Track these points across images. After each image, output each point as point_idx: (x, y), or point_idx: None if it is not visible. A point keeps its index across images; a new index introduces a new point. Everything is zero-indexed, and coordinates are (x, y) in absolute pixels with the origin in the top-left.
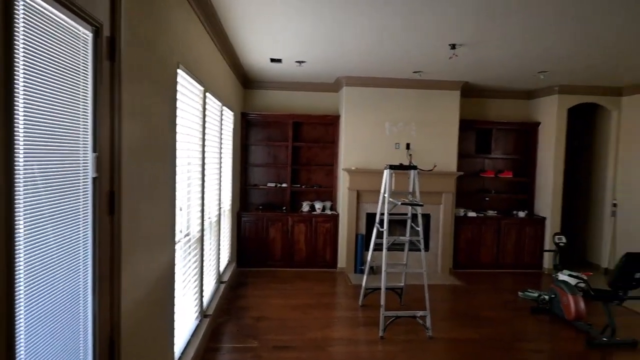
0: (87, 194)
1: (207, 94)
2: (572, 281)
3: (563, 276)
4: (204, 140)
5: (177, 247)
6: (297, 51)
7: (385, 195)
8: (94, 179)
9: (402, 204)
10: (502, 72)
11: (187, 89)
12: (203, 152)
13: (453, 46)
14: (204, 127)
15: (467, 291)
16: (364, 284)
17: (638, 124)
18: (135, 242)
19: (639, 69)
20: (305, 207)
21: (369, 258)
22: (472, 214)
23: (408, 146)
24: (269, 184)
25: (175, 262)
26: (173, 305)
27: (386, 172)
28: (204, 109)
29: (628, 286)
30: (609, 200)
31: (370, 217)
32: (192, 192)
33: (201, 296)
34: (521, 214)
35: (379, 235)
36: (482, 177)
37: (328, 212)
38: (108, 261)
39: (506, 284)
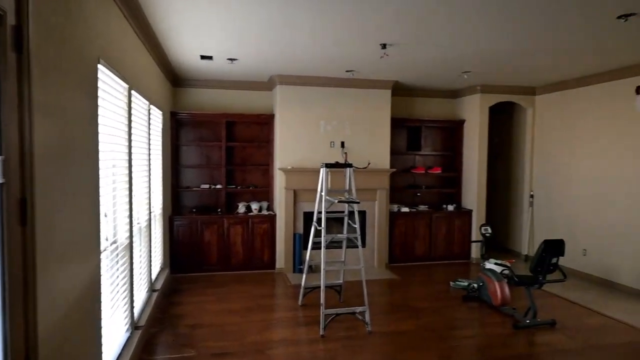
0: None
1: (133, 92)
2: (498, 269)
3: (490, 265)
4: (130, 141)
5: (102, 256)
6: (228, 48)
7: (322, 193)
8: (0, 185)
9: (338, 201)
10: (429, 71)
11: (110, 86)
12: (130, 153)
13: (384, 46)
14: (130, 127)
15: (403, 284)
16: (303, 283)
17: (549, 121)
18: (52, 255)
19: (551, 70)
20: (242, 208)
21: (307, 257)
22: (405, 209)
23: (343, 144)
24: (203, 186)
25: (101, 273)
26: (100, 319)
27: (322, 171)
28: (130, 107)
29: (547, 271)
30: (527, 192)
31: (308, 216)
32: (118, 196)
33: (131, 307)
34: (450, 208)
35: (317, 234)
36: (413, 173)
37: (265, 212)
38: (21, 278)
39: (439, 275)
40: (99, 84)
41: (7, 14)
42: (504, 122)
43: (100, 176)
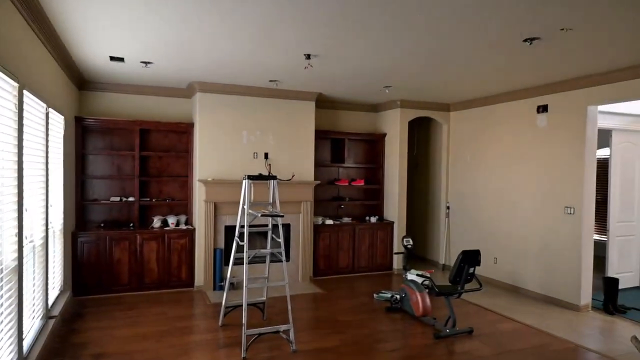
0: None
1: (25, 92)
2: (419, 280)
3: (411, 276)
4: (20, 148)
5: None
6: (142, 50)
7: (245, 207)
8: None
9: (262, 215)
10: (352, 84)
11: None
12: (20, 162)
13: (308, 56)
14: (20, 133)
15: (327, 298)
16: (223, 302)
17: (462, 136)
18: None
19: (462, 88)
20: (157, 222)
21: (228, 274)
22: (329, 221)
23: (266, 156)
24: (113, 198)
25: None
26: None
27: (245, 183)
28: (21, 110)
29: (465, 280)
30: (443, 203)
31: (229, 230)
32: (3, 211)
33: (19, 339)
34: (373, 219)
35: (239, 249)
36: (337, 185)
37: (183, 226)
38: None
39: (362, 287)
40: None
41: None
42: (422, 135)
43: None
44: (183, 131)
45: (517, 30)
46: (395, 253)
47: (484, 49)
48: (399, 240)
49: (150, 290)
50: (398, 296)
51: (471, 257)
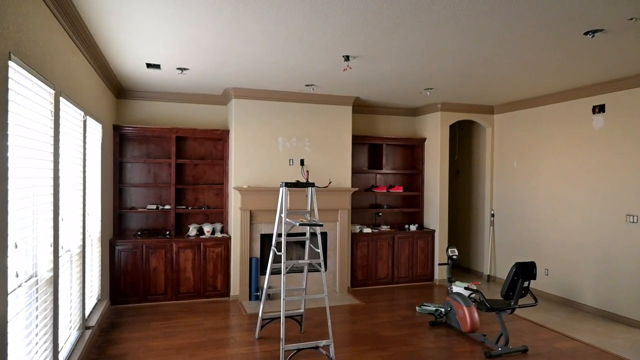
0: None
1: (62, 100)
2: (466, 293)
3: (457, 288)
4: (57, 156)
5: (12, 296)
6: (178, 56)
7: (282, 215)
8: None
9: (300, 224)
10: (392, 87)
11: (28, 89)
12: (56, 170)
13: (347, 58)
14: (57, 140)
15: (367, 310)
16: (260, 313)
17: (509, 139)
18: None
19: (511, 88)
20: (193, 230)
21: (265, 284)
22: (367, 229)
23: (302, 162)
24: (150, 206)
25: (9, 318)
26: None
27: (282, 191)
28: (57, 117)
29: (518, 295)
30: (487, 211)
31: (265, 239)
32: (39, 221)
33: (55, 352)
34: (412, 228)
35: (277, 259)
36: (375, 192)
37: (218, 235)
38: None
39: (403, 298)
40: (10, 84)
41: None
42: (464, 139)
43: (9, 199)
44: (218, 138)
45: (578, 22)
46: (440, 264)
47: (537, 46)
48: (441, 250)
49: (186, 300)
50: (443, 310)
51: (526, 270)
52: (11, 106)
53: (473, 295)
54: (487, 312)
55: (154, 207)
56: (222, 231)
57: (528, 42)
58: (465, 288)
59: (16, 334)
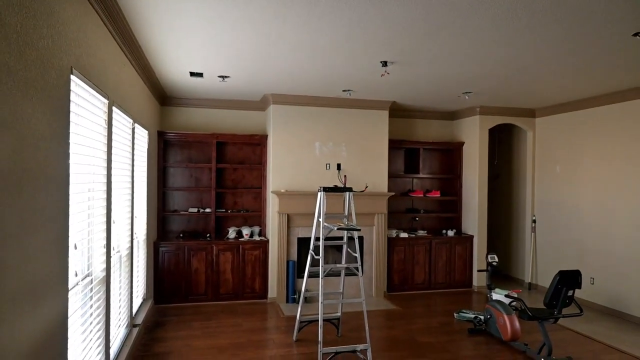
0: None
1: (114, 109)
2: (506, 300)
3: (497, 295)
4: (110, 162)
5: (71, 294)
6: (220, 65)
7: (320, 219)
8: None
9: (338, 229)
10: (429, 91)
11: (86, 100)
12: (109, 175)
13: (385, 63)
14: (109, 147)
15: (403, 315)
16: (298, 316)
17: (550, 144)
18: None
19: (550, 92)
20: (232, 233)
21: (303, 288)
22: (403, 234)
23: (339, 167)
24: (191, 209)
25: (69, 314)
26: None
27: (320, 195)
28: (110, 125)
29: (562, 304)
30: (529, 217)
31: (302, 242)
32: (94, 223)
33: (107, 348)
34: (450, 233)
35: (314, 262)
36: (412, 196)
37: (257, 238)
38: None
39: (440, 304)
40: (72, 97)
41: None
42: (503, 143)
43: (70, 203)
44: (257, 143)
45: (626, 24)
46: (479, 270)
47: (581, 49)
48: (479, 256)
49: (226, 301)
50: (482, 317)
51: (570, 279)
52: (71, 117)
53: (514, 303)
54: (528, 320)
55: (195, 210)
56: (260, 234)
57: (572, 46)
58: (506, 295)
59: (74, 329)
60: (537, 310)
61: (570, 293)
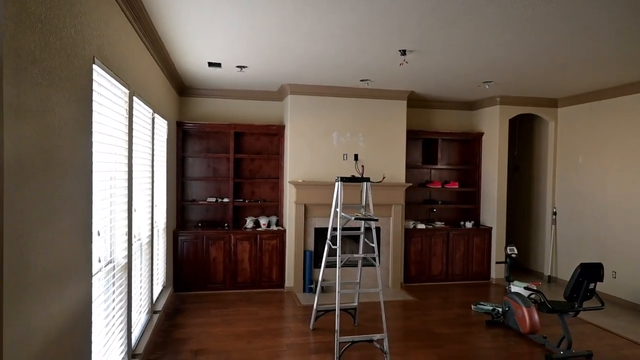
0: None
1: (135, 98)
2: (525, 293)
3: (516, 288)
4: (130, 150)
5: (95, 279)
6: (238, 55)
7: (337, 209)
8: None
9: (356, 218)
10: (449, 80)
11: (108, 90)
12: (130, 164)
13: (403, 52)
14: (130, 137)
15: (420, 306)
16: (315, 305)
17: (572, 134)
18: (26, 284)
19: (573, 81)
20: (249, 223)
21: (320, 277)
22: (421, 225)
23: (356, 157)
24: (209, 199)
25: (93, 298)
26: (90, 352)
27: (337, 185)
28: (131, 114)
29: (583, 297)
30: (549, 209)
31: (319, 232)
32: (116, 211)
33: (129, 332)
34: (468, 225)
35: (331, 252)
36: (429, 187)
37: (274, 227)
38: None
39: (457, 296)
40: (94, 86)
41: None
42: (524, 134)
43: (94, 190)
44: (274, 133)
45: None
46: (497, 262)
47: (608, 35)
48: (498, 248)
49: (243, 290)
50: (500, 309)
51: (592, 272)
52: (94, 106)
53: (533, 296)
54: (548, 313)
55: (214, 199)
56: (277, 224)
57: (598, 31)
58: (525, 288)
59: (97, 314)
60: (557, 303)
61: (591, 286)
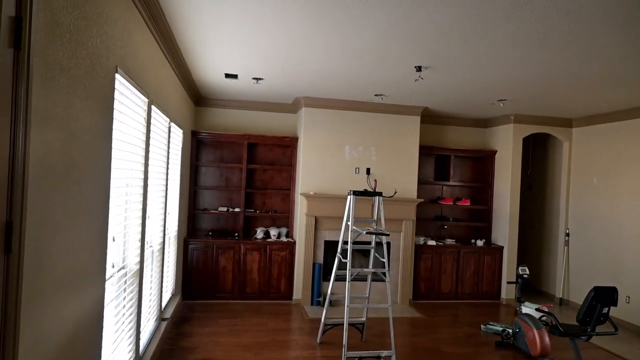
0: None
1: (153, 107)
2: (536, 314)
3: (527, 309)
4: (147, 158)
5: (107, 284)
6: (254, 67)
7: (349, 223)
8: None
9: (367, 233)
10: (463, 98)
11: (128, 99)
12: (146, 172)
13: (419, 68)
14: (147, 144)
15: (429, 324)
16: (323, 319)
17: (587, 155)
18: (44, 287)
19: (589, 101)
20: (260, 233)
21: (329, 291)
22: (431, 242)
23: (368, 171)
24: (221, 209)
25: (105, 303)
26: (99, 358)
27: (350, 199)
28: (149, 123)
29: (596, 321)
30: (562, 230)
31: (329, 245)
32: (130, 218)
33: (137, 339)
34: (479, 243)
35: (341, 265)
36: (441, 204)
37: (284, 239)
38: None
39: (466, 315)
40: (116, 95)
41: (3, 2)
42: (537, 153)
43: (110, 197)
44: (287, 145)
45: None
46: (509, 282)
47: (627, 55)
48: (509, 267)
49: (251, 300)
50: (510, 330)
51: (606, 295)
52: (115, 114)
53: (544, 318)
54: (559, 336)
55: (225, 209)
56: (287, 235)
57: (617, 52)
58: (537, 309)
59: (108, 319)
60: (570, 326)
61: (605, 310)
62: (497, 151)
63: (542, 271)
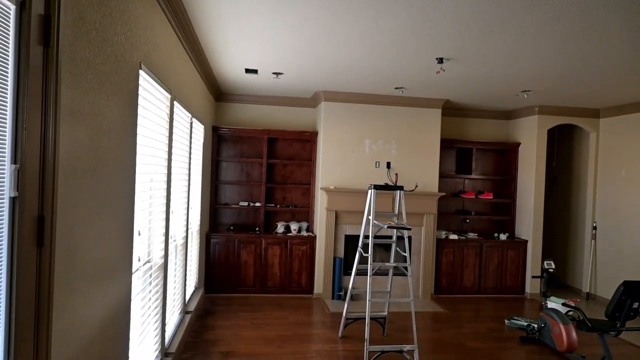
0: (1, 219)
1: (175, 103)
2: (563, 309)
3: (553, 304)
4: (170, 154)
5: (134, 277)
6: (274, 62)
7: (370, 217)
8: (13, 199)
9: (388, 227)
10: (486, 89)
11: (152, 95)
12: (169, 167)
13: (440, 60)
14: (170, 140)
15: (451, 319)
16: (344, 313)
17: (615, 146)
18: (74, 279)
19: (616, 91)
20: (280, 228)
21: (350, 285)
22: (453, 236)
23: (389, 165)
24: (242, 203)
25: (132, 296)
26: (127, 348)
27: (370, 193)
28: (171, 119)
29: (626, 316)
30: (589, 223)
31: (349, 239)
32: (154, 212)
33: (162, 332)
34: (502, 237)
35: (362, 260)
36: (462, 197)
37: (304, 233)
38: (33, 308)
39: (489, 310)
40: (140, 91)
41: (33, 1)
42: (562, 145)
43: (136, 191)
44: (307, 140)
45: None
46: (533, 277)
47: None
48: (534, 262)
49: (272, 294)
50: (536, 325)
51: (636, 290)
52: (139, 109)
53: (571, 313)
54: (587, 332)
55: (246, 204)
56: (307, 230)
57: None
58: (563, 304)
59: (135, 311)
60: (598, 321)
61: (635, 305)
62: (520, 143)
63: (568, 265)
